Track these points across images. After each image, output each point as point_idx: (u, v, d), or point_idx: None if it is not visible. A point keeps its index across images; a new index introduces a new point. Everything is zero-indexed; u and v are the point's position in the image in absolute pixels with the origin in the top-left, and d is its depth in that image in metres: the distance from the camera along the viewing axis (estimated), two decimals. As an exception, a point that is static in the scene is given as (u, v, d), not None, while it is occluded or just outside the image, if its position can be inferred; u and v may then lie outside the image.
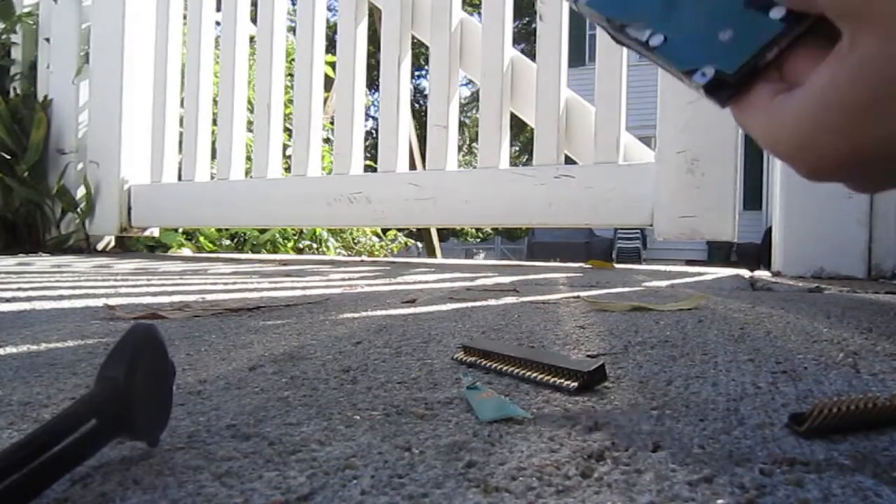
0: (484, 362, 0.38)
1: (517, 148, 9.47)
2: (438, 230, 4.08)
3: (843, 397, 0.26)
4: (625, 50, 1.39)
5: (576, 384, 0.32)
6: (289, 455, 0.23)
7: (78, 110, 2.11)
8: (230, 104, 1.87)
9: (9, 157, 2.05)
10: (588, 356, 0.42)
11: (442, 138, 1.57)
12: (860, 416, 0.25)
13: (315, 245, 2.96)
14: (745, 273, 1.30)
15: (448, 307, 0.69)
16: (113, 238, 2.16)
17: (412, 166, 2.05)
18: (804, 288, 0.96)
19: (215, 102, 1.96)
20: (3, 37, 2.24)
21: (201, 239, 2.52)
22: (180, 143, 2.00)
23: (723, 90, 0.26)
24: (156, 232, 2.19)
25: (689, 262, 4.90)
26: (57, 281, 1.02)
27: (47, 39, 2.16)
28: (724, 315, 0.62)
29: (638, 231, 8.67)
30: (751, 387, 0.33)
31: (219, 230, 2.57)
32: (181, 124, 1.99)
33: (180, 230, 2.35)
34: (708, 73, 0.26)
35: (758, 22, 0.26)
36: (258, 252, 2.63)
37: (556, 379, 0.32)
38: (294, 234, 2.87)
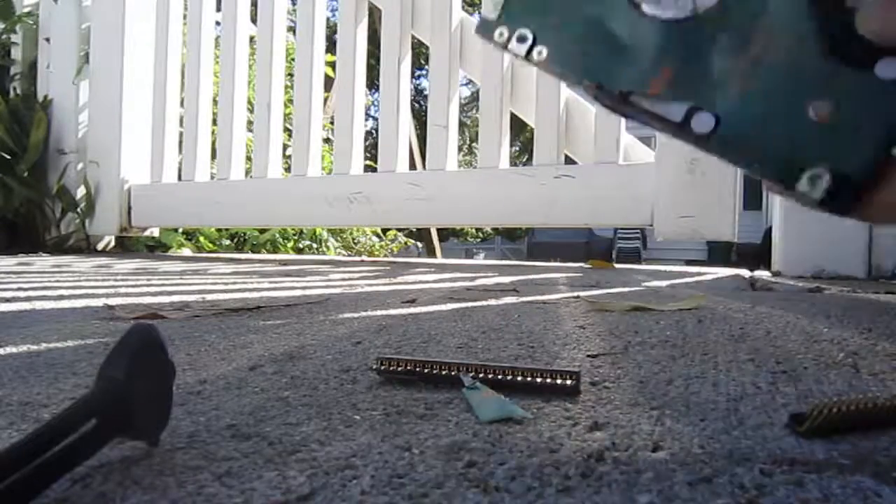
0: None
1: (517, 148, 9.47)
2: (438, 230, 4.08)
3: (843, 397, 0.26)
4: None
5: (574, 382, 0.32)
6: (289, 455, 0.23)
7: (78, 110, 2.11)
8: (230, 104, 1.87)
9: (9, 157, 2.05)
10: (589, 356, 0.42)
11: (442, 138, 1.57)
12: (860, 416, 0.25)
13: (315, 245, 2.96)
14: (745, 273, 1.30)
15: (448, 307, 0.69)
16: (113, 238, 2.16)
17: (412, 166, 2.05)
18: (804, 288, 0.96)
19: (215, 102, 1.96)
20: (3, 37, 2.24)
21: (201, 239, 2.52)
22: (180, 143, 2.00)
23: (844, 198, 0.18)
24: (156, 232, 2.19)
25: (689, 262, 4.90)
26: (57, 281, 1.02)
27: (47, 39, 2.16)
28: (725, 315, 0.62)
29: (638, 231, 8.67)
30: (751, 387, 0.33)
31: (219, 230, 2.57)
32: (181, 124, 1.99)
33: (180, 230, 2.35)
34: (819, 179, 0.18)
35: (865, 85, 0.17)
36: (258, 252, 2.63)
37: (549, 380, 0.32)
38: (294, 234, 2.87)
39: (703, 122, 0.19)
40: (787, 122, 0.18)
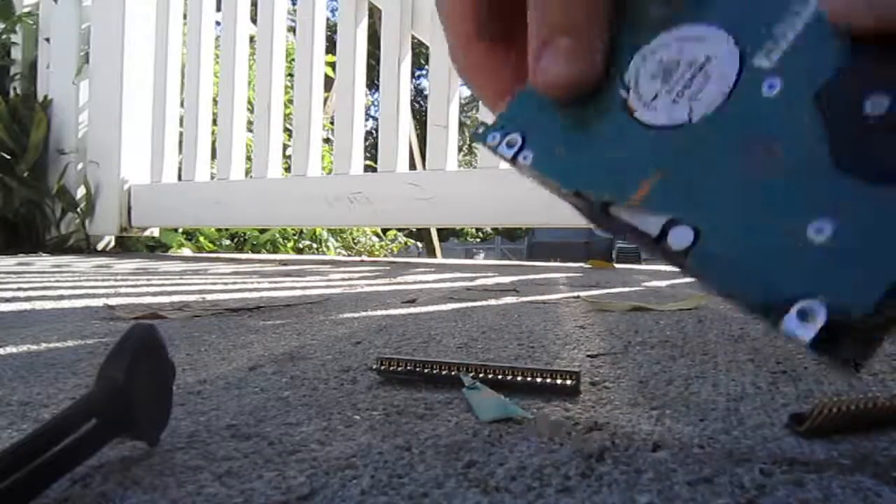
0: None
1: (517, 148, 9.43)
2: (438, 230, 4.08)
3: (843, 397, 0.26)
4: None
5: (574, 382, 0.32)
6: (289, 455, 0.23)
7: (78, 110, 2.11)
8: (230, 104, 1.87)
9: (9, 157, 2.06)
10: (589, 356, 0.42)
11: (442, 138, 1.57)
12: (860, 416, 0.25)
13: (315, 245, 2.96)
14: (745, 273, 1.30)
15: (448, 307, 0.69)
16: (113, 238, 2.16)
17: (412, 166, 2.05)
18: (804, 288, 0.96)
19: (215, 102, 1.96)
20: (3, 37, 2.24)
21: (201, 239, 2.52)
22: (180, 143, 2.00)
23: (847, 343, 0.14)
24: (156, 232, 2.19)
25: (689, 262, 4.88)
26: (57, 281, 1.02)
27: (47, 39, 2.16)
28: (724, 315, 0.62)
29: (638, 231, 8.64)
30: (751, 387, 0.33)
31: (219, 230, 2.57)
32: (181, 124, 1.99)
33: (180, 230, 2.35)
34: (812, 314, 0.14)
35: (881, 204, 0.14)
36: (258, 252, 2.63)
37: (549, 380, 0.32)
38: (294, 234, 2.87)
39: (679, 237, 0.17)
40: (779, 242, 0.15)
